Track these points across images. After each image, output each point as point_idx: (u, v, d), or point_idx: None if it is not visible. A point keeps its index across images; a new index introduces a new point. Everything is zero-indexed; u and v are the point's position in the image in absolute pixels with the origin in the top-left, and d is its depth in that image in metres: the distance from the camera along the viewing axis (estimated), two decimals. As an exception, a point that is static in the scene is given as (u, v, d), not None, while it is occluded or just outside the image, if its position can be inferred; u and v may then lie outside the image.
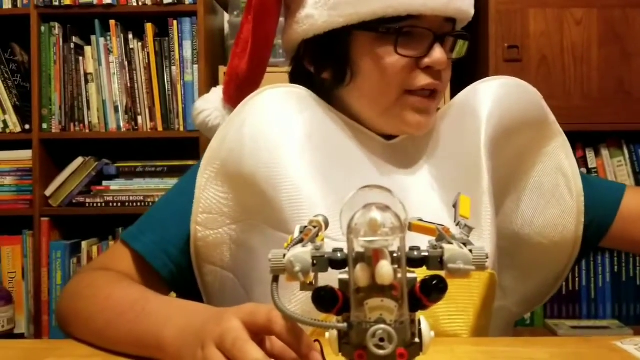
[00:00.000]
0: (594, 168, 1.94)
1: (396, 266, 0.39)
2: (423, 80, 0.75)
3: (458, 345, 0.66)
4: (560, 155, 0.81)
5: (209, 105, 0.86)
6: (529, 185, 0.82)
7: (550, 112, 0.82)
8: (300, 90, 0.79)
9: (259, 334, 0.52)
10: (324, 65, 0.80)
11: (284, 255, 0.42)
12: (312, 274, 0.43)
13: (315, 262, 0.42)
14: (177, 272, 0.78)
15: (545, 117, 0.82)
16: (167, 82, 1.98)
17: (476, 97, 0.80)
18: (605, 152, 1.95)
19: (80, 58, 1.99)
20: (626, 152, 1.94)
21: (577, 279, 1.96)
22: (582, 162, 1.96)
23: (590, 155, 1.96)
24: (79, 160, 2.01)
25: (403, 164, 0.80)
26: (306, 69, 0.82)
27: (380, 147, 0.80)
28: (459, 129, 0.80)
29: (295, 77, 0.85)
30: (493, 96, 0.79)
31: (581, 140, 1.96)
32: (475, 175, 0.75)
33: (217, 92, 0.88)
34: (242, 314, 0.52)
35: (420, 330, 0.41)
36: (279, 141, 0.73)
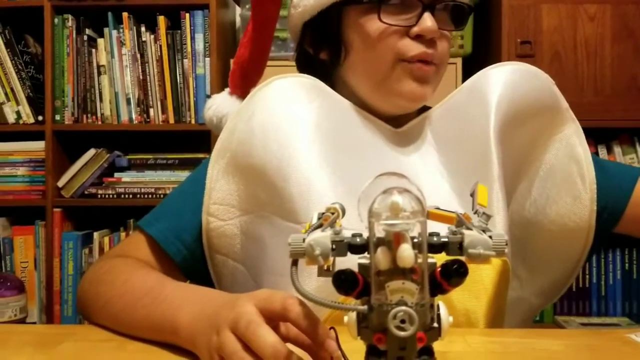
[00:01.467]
0: (605, 165, 1.93)
1: (416, 251, 0.40)
2: (415, 49, 0.76)
3: (471, 336, 0.66)
4: (574, 142, 0.80)
5: (217, 100, 0.89)
6: (542, 172, 0.81)
7: (562, 99, 0.81)
8: (308, 80, 0.79)
9: (273, 319, 0.52)
10: (321, 46, 0.82)
11: (304, 240, 0.42)
12: (330, 259, 0.43)
13: (334, 246, 0.42)
14: (191, 259, 0.79)
15: (558, 104, 0.80)
16: (179, 74, 1.99)
17: (486, 82, 0.79)
18: (617, 149, 1.94)
19: (93, 50, 2.00)
20: (639, 148, 1.93)
21: (587, 276, 1.96)
22: (594, 158, 1.95)
23: (602, 151, 1.95)
24: (91, 151, 2.03)
25: (412, 152, 0.80)
26: (308, 53, 0.84)
27: (388, 134, 0.80)
28: (468, 115, 0.79)
29: (300, 63, 0.87)
30: (503, 81, 0.78)
31: (593, 137, 1.95)
32: (485, 162, 0.74)
33: (225, 91, 0.90)
34: (256, 300, 0.52)
35: (439, 315, 0.41)
36: (288, 132, 0.73)
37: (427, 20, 0.75)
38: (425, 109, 0.85)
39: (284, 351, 0.48)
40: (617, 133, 1.93)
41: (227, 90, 0.90)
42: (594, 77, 1.87)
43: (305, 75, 0.81)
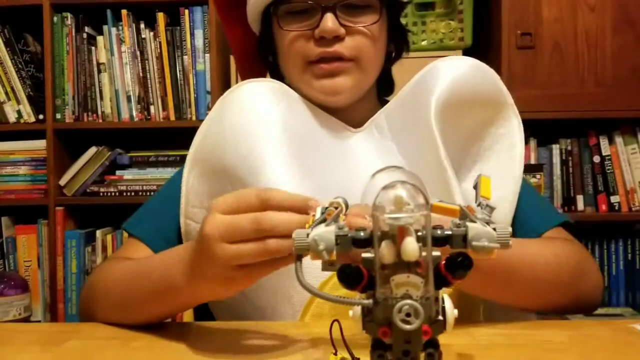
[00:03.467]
0: (607, 155, 1.93)
1: (421, 244, 0.40)
2: (316, 49, 0.81)
3: (476, 328, 0.66)
4: (515, 139, 0.81)
5: None
6: (483, 165, 0.81)
7: (508, 94, 0.82)
8: (274, 84, 0.84)
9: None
10: (265, 49, 0.90)
11: (308, 235, 0.42)
12: (334, 253, 0.43)
13: (338, 241, 0.42)
14: None
15: (503, 98, 0.82)
16: (179, 71, 1.98)
17: (431, 74, 0.81)
18: (619, 140, 1.94)
19: (93, 48, 2.00)
20: (640, 139, 1.93)
21: (590, 267, 1.96)
22: (595, 149, 1.95)
23: (604, 142, 1.95)
24: (93, 150, 2.03)
25: (372, 150, 0.83)
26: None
27: (348, 134, 0.85)
28: (414, 105, 0.81)
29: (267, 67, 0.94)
30: (447, 73, 0.80)
31: (594, 128, 1.94)
32: (432, 145, 0.76)
33: None
34: (223, 207, 0.55)
35: (443, 308, 0.41)
36: (257, 132, 0.77)
37: (328, 21, 0.79)
38: (385, 102, 0.91)
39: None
40: (618, 124, 1.93)
41: None
42: (595, 68, 1.87)
43: (272, 79, 0.86)
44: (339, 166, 0.80)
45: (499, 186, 0.75)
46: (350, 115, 0.86)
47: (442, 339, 0.41)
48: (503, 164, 0.81)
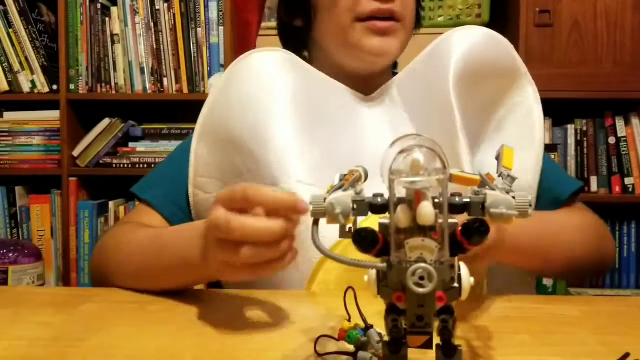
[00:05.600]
0: (623, 137, 1.91)
1: (437, 211, 0.39)
2: (371, 4, 0.80)
3: (489, 301, 0.66)
4: (532, 105, 0.81)
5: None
6: (499, 131, 0.81)
7: (522, 63, 0.82)
8: (283, 53, 0.83)
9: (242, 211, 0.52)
10: (294, 12, 0.87)
11: (325, 199, 0.42)
12: (351, 218, 0.43)
13: (355, 206, 0.42)
14: (188, 221, 0.80)
15: (517, 67, 0.82)
16: (193, 44, 1.98)
17: (446, 43, 0.80)
18: (635, 121, 1.91)
19: (107, 19, 1.99)
20: (657, 120, 1.90)
21: (601, 249, 1.95)
22: (611, 130, 1.92)
23: (620, 123, 1.92)
24: (106, 121, 2.03)
25: (382, 117, 0.84)
26: (285, 22, 0.89)
27: (359, 101, 0.84)
28: (430, 74, 0.81)
29: (281, 33, 0.93)
30: (462, 43, 0.79)
31: (611, 108, 1.92)
32: (448, 114, 0.75)
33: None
34: (220, 200, 0.54)
35: (459, 275, 0.41)
36: (265, 102, 0.76)
37: None
38: (394, 74, 0.90)
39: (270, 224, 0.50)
40: (635, 105, 1.90)
41: None
42: (614, 47, 1.84)
43: (281, 49, 0.85)
44: (349, 134, 0.80)
45: (518, 155, 0.74)
46: (366, 84, 0.85)
47: (456, 310, 0.41)
48: (521, 132, 0.80)
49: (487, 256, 0.59)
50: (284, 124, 0.75)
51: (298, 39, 0.89)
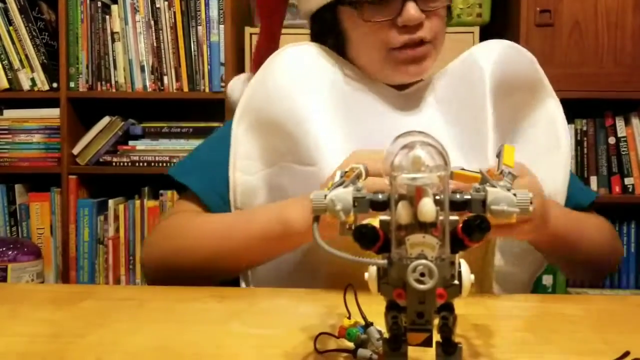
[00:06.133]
0: (623, 137, 1.91)
1: (438, 208, 0.39)
2: (400, 38, 0.81)
3: (491, 300, 0.66)
4: (555, 116, 0.85)
5: (236, 85, 0.96)
6: (522, 142, 0.84)
7: (544, 75, 0.86)
8: (316, 47, 0.86)
9: None
10: (325, 36, 0.88)
11: (325, 196, 0.42)
12: (352, 215, 0.43)
13: (356, 203, 0.42)
14: (226, 209, 0.83)
15: (540, 79, 0.86)
16: (193, 42, 1.97)
17: (480, 53, 0.85)
18: (635, 121, 1.91)
19: (107, 17, 1.99)
20: (657, 121, 1.90)
21: (601, 249, 1.95)
22: (611, 130, 1.92)
23: (620, 123, 1.92)
24: (106, 119, 2.03)
25: (414, 111, 0.86)
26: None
27: (393, 96, 0.87)
28: (465, 77, 0.85)
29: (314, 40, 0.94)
30: (496, 53, 0.84)
31: (612, 108, 1.92)
32: (481, 115, 0.80)
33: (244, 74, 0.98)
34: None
35: (459, 272, 0.41)
36: (301, 88, 0.80)
37: (410, 10, 0.79)
38: None
39: None
40: (635, 105, 1.90)
41: (248, 75, 0.96)
42: (614, 47, 1.84)
43: (315, 43, 0.88)
44: (382, 125, 0.83)
45: (543, 166, 0.78)
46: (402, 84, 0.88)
47: (457, 309, 0.41)
48: (544, 143, 0.84)
49: (531, 227, 0.64)
50: (322, 112, 0.79)
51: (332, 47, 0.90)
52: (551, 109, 0.86)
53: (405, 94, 0.88)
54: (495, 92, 0.81)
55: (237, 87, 0.94)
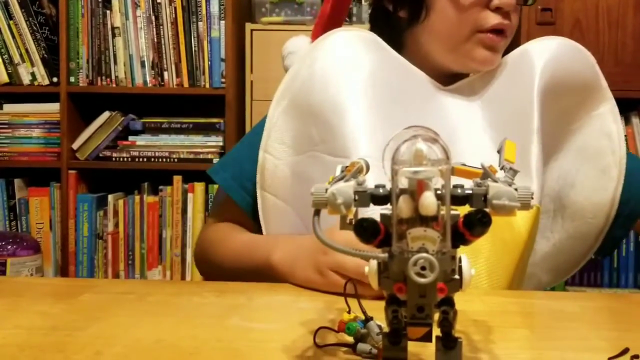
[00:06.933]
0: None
1: (439, 202, 0.39)
2: (493, 19, 0.81)
3: (489, 297, 0.66)
4: (608, 119, 0.83)
5: (295, 48, 0.90)
6: (574, 146, 0.84)
7: (602, 77, 0.84)
8: (368, 34, 0.84)
9: None
10: (402, 3, 0.86)
11: (326, 190, 0.42)
12: (353, 209, 0.43)
13: (357, 197, 0.42)
14: (255, 204, 0.84)
15: (598, 82, 0.83)
16: (194, 37, 1.97)
17: (533, 51, 0.83)
18: (635, 120, 1.91)
19: (108, 12, 1.99)
20: (658, 120, 1.90)
21: (600, 248, 1.95)
22: (611, 129, 1.92)
23: (620, 122, 1.92)
24: (106, 114, 2.03)
25: (457, 107, 0.84)
26: (385, 8, 0.88)
27: (436, 90, 0.85)
28: (514, 76, 0.83)
29: (375, 18, 0.93)
30: (549, 53, 0.81)
31: (612, 107, 1.92)
32: (527, 116, 0.78)
33: (305, 37, 0.93)
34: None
35: (460, 267, 0.41)
36: (346, 77, 0.79)
37: None
38: None
39: None
40: (635, 104, 1.90)
41: (309, 39, 0.92)
42: (615, 46, 1.84)
43: (365, 30, 0.86)
44: (422, 119, 0.80)
45: (591, 173, 0.79)
46: (450, 78, 0.86)
47: (456, 305, 0.41)
48: (594, 145, 0.82)
49: None
50: (362, 101, 0.78)
51: (394, 28, 0.88)
52: (606, 112, 0.83)
53: (449, 89, 0.86)
54: (545, 92, 0.79)
55: (304, 48, 0.88)
